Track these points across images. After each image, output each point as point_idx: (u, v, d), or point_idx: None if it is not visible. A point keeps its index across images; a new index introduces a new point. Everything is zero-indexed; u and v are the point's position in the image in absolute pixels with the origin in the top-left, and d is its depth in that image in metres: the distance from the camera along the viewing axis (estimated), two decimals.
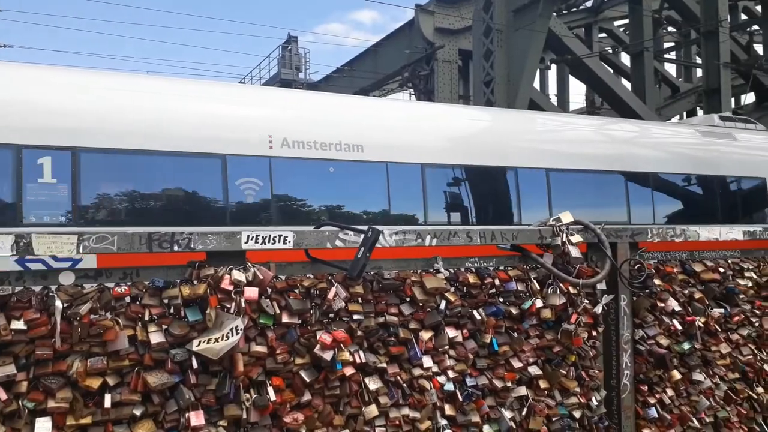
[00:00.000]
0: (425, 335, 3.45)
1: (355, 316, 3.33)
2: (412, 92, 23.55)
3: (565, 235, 3.92)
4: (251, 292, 3.08)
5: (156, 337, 2.90)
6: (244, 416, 2.98)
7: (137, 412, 2.82)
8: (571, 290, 3.83)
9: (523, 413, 3.65)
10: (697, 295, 4.40)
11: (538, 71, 21.07)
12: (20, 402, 2.64)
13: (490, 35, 17.79)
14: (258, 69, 31.13)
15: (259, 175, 7.05)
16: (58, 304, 2.73)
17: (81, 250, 2.86)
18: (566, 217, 4.02)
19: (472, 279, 3.63)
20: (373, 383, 3.30)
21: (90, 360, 2.77)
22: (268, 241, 3.25)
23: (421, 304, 3.47)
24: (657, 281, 4.22)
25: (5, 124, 6.08)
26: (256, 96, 8.65)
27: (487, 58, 17.88)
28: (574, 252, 3.91)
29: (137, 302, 2.96)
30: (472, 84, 20.26)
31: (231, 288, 3.03)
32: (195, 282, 3.05)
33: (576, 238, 3.96)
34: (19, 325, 2.68)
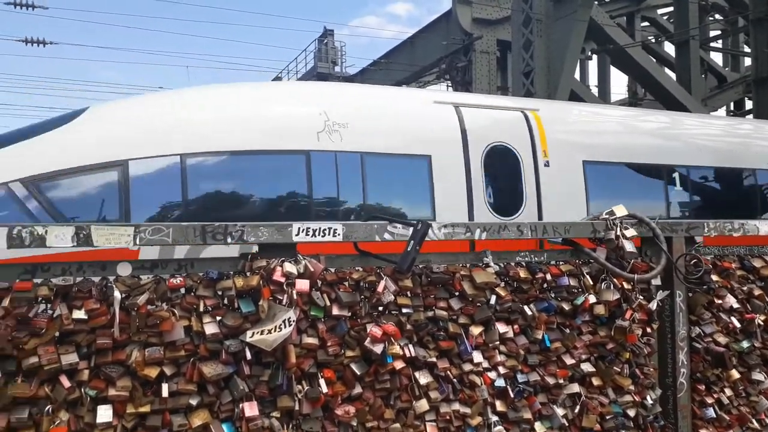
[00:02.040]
0: (475, 330, 3.41)
1: (404, 310, 3.32)
2: (449, 84, 23.37)
3: (618, 228, 3.82)
4: (302, 284, 3.09)
5: (210, 328, 2.94)
6: (297, 408, 3.00)
7: (193, 401, 2.86)
8: (626, 286, 3.73)
9: (576, 411, 3.58)
10: (757, 292, 4.24)
11: (578, 61, 20.64)
12: (83, 390, 2.71)
13: (530, 25, 17.48)
14: (295, 63, 31.26)
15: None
16: (117, 294, 2.79)
17: (137, 242, 2.91)
18: (620, 211, 3.92)
19: (522, 274, 3.57)
20: (423, 377, 3.28)
21: (148, 350, 2.83)
22: (318, 234, 3.26)
23: (470, 299, 3.43)
24: (714, 277, 4.09)
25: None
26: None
27: (526, 48, 17.59)
28: (629, 246, 3.80)
29: (192, 293, 3.00)
30: (511, 75, 19.99)
31: (283, 280, 3.05)
32: (248, 274, 3.08)
33: (630, 232, 3.85)
34: (80, 314, 2.74)
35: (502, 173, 6.97)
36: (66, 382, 2.68)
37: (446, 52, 21.85)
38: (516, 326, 3.53)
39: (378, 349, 3.14)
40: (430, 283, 3.39)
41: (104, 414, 2.71)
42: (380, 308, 3.30)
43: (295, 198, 5.95)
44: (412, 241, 3.27)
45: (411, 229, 3.32)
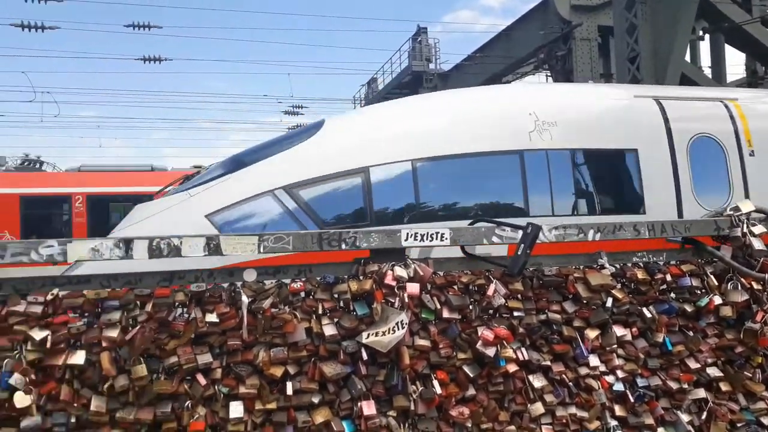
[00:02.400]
0: (591, 333, 3.33)
1: (516, 313, 3.30)
2: (549, 74, 22.66)
3: (745, 225, 3.58)
4: (413, 288, 3.16)
5: (329, 330, 3.08)
6: (412, 407, 3.07)
7: (315, 399, 3.02)
8: (755, 286, 3.50)
9: (703, 417, 3.40)
10: None
11: (688, 43, 19.29)
12: (216, 387, 2.94)
13: (633, 9, 16.55)
14: (389, 63, 31.56)
15: None
16: (245, 298, 3.00)
17: (261, 249, 3.10)
18: (746, 206, 3.67)
19: (640, 275, 3.44)
20: (537, 381, 3.25)
21: (273, 350, 3.01)
22: (426, 238, 3.32)
23: (585, 302, 3.35)
24: None
25: None
26: None
27: (630, 33, 16.68)
28: (757, 244, 3.56)
29: (311, 297, 3.16)
30: (615, 61, 19.05)
31: (394, 283, 3.14)
32: (361, 278, 3.19)
33: (758, 229, 3.61)
34: (212, 318, 2.97)
35: (708, 164, 7.01)
36: (202, 380, 2.92)
37: (544, 42, 21.18)
38: (634, 329, 3.41)
39: (490, 352, 3.15)
40: (541, 286, 3.36)
41: (236, 410, 2.93)
42: (491, 311, 3.30)
43: (513, 197, 6.31)
44: (522, 245, 3.24)
45: (520, 232, 3.29)
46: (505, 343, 3.18)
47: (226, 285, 3.11)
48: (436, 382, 3.14)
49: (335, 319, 3.12)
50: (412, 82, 28.34)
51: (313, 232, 3.19)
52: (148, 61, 22.93)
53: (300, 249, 3.16)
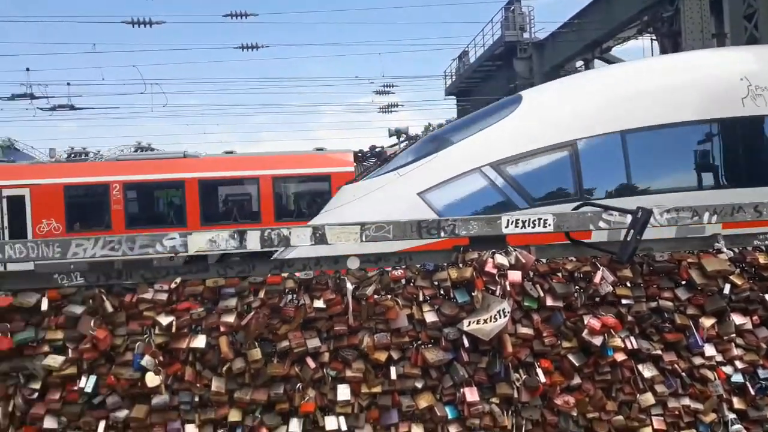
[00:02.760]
0: (706, 322, 3.16)
1: (624, 301, 3.19)
2: (653, 38, 21.21)
3: None
4: (514, 276, 3.13)
5: (430, 317, 3.13)
6: (516, 395, 3.07)
7: (419, 384, 3.08)
8: None
9: None
10: None
11: None
12: (325, 370, 3.07)
13: None
14: (481, 35, 30.76)
15: None
16: (349, 285, 3.10)
17: (363, 238, 3.18)
18: None
19: (762, 259, 3.20)
20: (647, 370, 3.14)
21: (376, 335, 3.10)
22: (528, 225, 3.26)
23: (700, 288, 3.18)
24: None
25: None
26: None
27: None
28: None
29: (411, 284, 3.21)
30: (728, 19, 17.51)
31: (495, 271, 3.12)
32: (461, 265, 3.20)
33: None
34: (319, 304, 3.10)
35: None
36: (311, 363, 3.06)
37: (648, 3, 19.81)
38: (755, 317, 3.20)
39: (597, 341, 3.07)
40: (652, 272, 3.21)
41: (343, 392, 3.05)
42: (597, 299, 3.21)
43: (729, 166, 6.14)
44: (631, 230, 3.11)
45: (629, 216, 3.16)
46: (612, 331, 3.09)
47: (331, 272, 3.22)
48: (539, 371, 3.10)
49: (436, 306, 3.16)
50: (505, 53, 27.52)
51: (412, 221, 3.23)
52: (246, 48, 23.87)
53: (400, 237, 3.21)
